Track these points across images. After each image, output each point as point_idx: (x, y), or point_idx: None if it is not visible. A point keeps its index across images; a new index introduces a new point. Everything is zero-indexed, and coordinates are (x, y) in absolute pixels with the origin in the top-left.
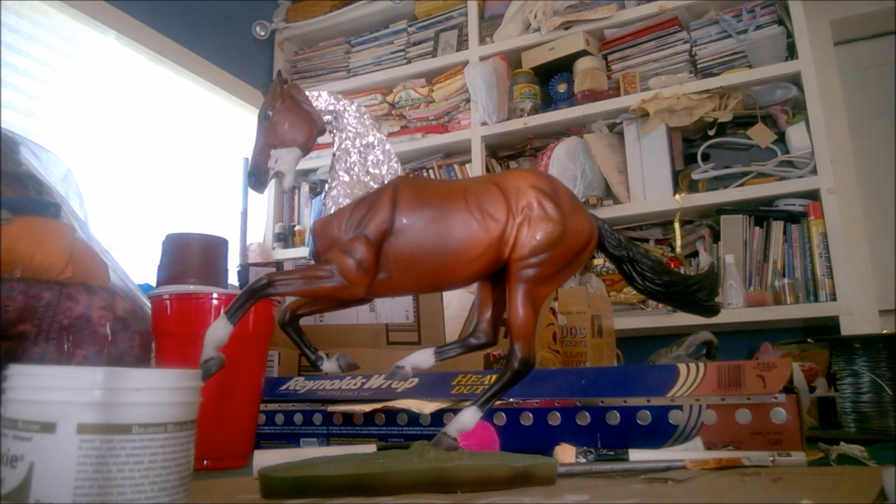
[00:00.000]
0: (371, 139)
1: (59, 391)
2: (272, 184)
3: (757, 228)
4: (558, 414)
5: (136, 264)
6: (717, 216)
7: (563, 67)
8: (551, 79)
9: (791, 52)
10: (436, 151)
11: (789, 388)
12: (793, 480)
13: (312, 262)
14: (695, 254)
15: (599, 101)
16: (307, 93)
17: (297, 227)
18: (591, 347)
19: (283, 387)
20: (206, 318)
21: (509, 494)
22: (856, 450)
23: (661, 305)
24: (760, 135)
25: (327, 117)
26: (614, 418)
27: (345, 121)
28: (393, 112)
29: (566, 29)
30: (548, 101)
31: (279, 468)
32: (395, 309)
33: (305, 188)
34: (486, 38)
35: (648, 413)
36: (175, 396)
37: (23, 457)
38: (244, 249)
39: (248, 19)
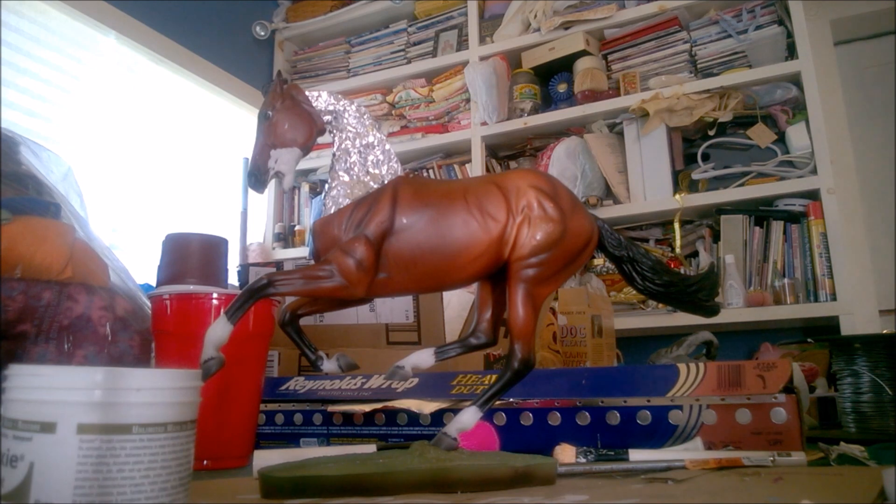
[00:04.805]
0: (371, 139)
1: (59, 391)
2: (272, 184)
3: (757, 228)
4: (558, 414)
5: (136, 264)
6: (717, 216)
7: (563, 67)
8: (551, 79)
9: (791, 52)
10: (436, 151)
11: (789, 388)
12: (793, 480)
13: (312, 262)
14: (695, 254)
15: (599, 101)
16: (307, 93)
17: (297, 227)
18: (591, 347)
19: (283, 387)
20: (206, 318)
21: (509, 494)
22: (856, 450)
23: (661, 305)
24: (760, 135)
25: (327, 117)
26: (614, 418)
27: (345, 121)
28: (393, 112)
29: (566, 29)
30: (548, 101)
31: (279, 468)
32: (395, 309)
33: (305, 188)
34: (486, 38)
35: (648, 413)
36: (175, 396)
37: (23, 457)
38: (244, 249)
39: (248, 19)
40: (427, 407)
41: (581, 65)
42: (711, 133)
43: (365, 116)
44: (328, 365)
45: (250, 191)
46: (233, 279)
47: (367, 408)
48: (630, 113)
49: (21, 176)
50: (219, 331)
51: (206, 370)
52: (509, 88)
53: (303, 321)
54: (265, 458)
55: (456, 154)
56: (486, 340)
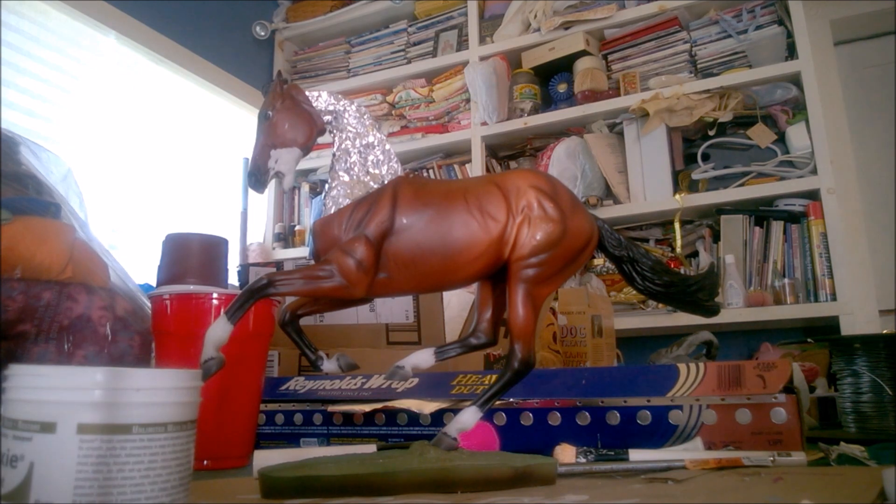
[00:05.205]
0: (371, 139)
1: (59, 391)
2: (272, 184)
3: (757, 228)
4: (558, 414)
5: (136, 264)
6: (717, 216)
7: (563, 67)
8: (551, 79)
9: (791, 52)
10: (436, 151)
11: (789, 388)
12: (793, 480)
13: (312, 262)
14: (695, 254)
15: (599, 101)
16: (307, 93)
17: (297, 227)
18: (591, 347)
19: (283, 387)
20: (206, 318)
21: (509, 494)
22: (856, 450)
23: (661, 305)
24: (760, 135)
25: (327, 117)
26: (614, 418)
27: (345, 121)
28: (393, 112)
29: (566, 29)
30: (548, 101)
31: (279, 468)
32: (395, 309)
33: (305, 188)
34: (486, 38)
35: (648, 413)
36: (175, 396)
37: (23, 457)
38: (244, 249)
39: (248, 19)
40: (427, 407)
41: (581, 65)
42: (711, 133)
43: (365, 116)
44: (328, 365)
45: (250, 191)
46: (233, 279)
47: (367, 408)
48: (630, 113)
49: (21, 176)
50: (219, 331)
51: (206, 370)
52: (509, 88)
53: (303, 321)
54: (265, 458)
55: (456, 154)
56: (486, 340)
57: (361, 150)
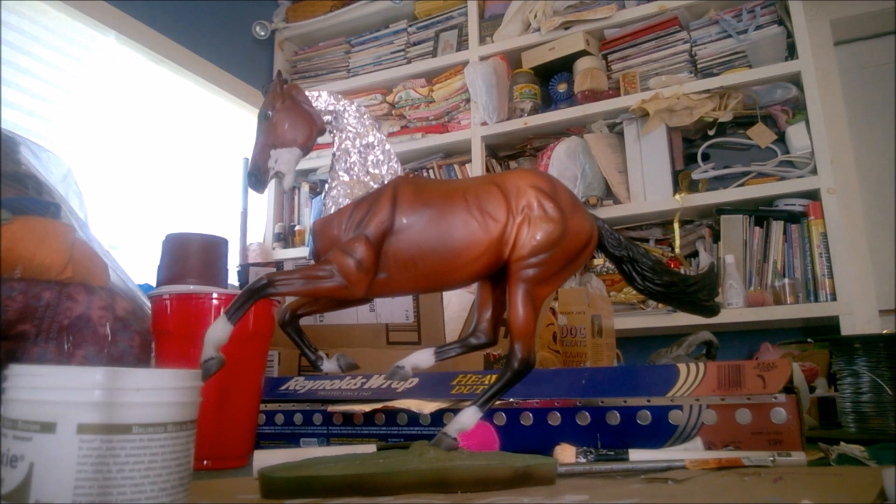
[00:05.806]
0: (371, 139)
1: (59, 391)
2: (272, 184)
3: (757, 228)
4: (558, 414)
5: (136, 264)
6: (717, 216)
7: (563, 67)
8: (551, 79)
9: (791, 52)
10: (436, 151)
11: (789, 388)
12: (793, 480)
13: (312, 262)
14: (695, 254)
15: (599, 101)
16: (307, 93)
17: (297, 227)
18: (591, 347)
19: (283, 387)
20: (206, 318)
21: (509, 494)
22: (856, 450)
23: (661, 305)
24: (760, 135)
25: (327, 117)
26: (614, 418)
27: (345, 121)
28: (393, 112)
29: (566, 29)
30: (548, 101)
31: (279, 468)
32: (395, 309)
33: (305, 188)
34: (486, 38)
35: (648, 413)
36: (175, 396)
37: (23, 457)
38: (244, 249)
39: (248, 19)
40: (427, 407)
41: (581, 65)
42: (711, 133)
43: (365, 116)
44: (328, 365)
45: (250, 191)
46: (233, 279)
47: (367, 408)
48: (630, 113)
49: (21, 176)
50: (219, 331)
51: (206, 370)
52: (509, 88)
53: (303, 321)
54: (265, 458)
55: (456, 154)
56: (486, 340)
57: (361, 150)
